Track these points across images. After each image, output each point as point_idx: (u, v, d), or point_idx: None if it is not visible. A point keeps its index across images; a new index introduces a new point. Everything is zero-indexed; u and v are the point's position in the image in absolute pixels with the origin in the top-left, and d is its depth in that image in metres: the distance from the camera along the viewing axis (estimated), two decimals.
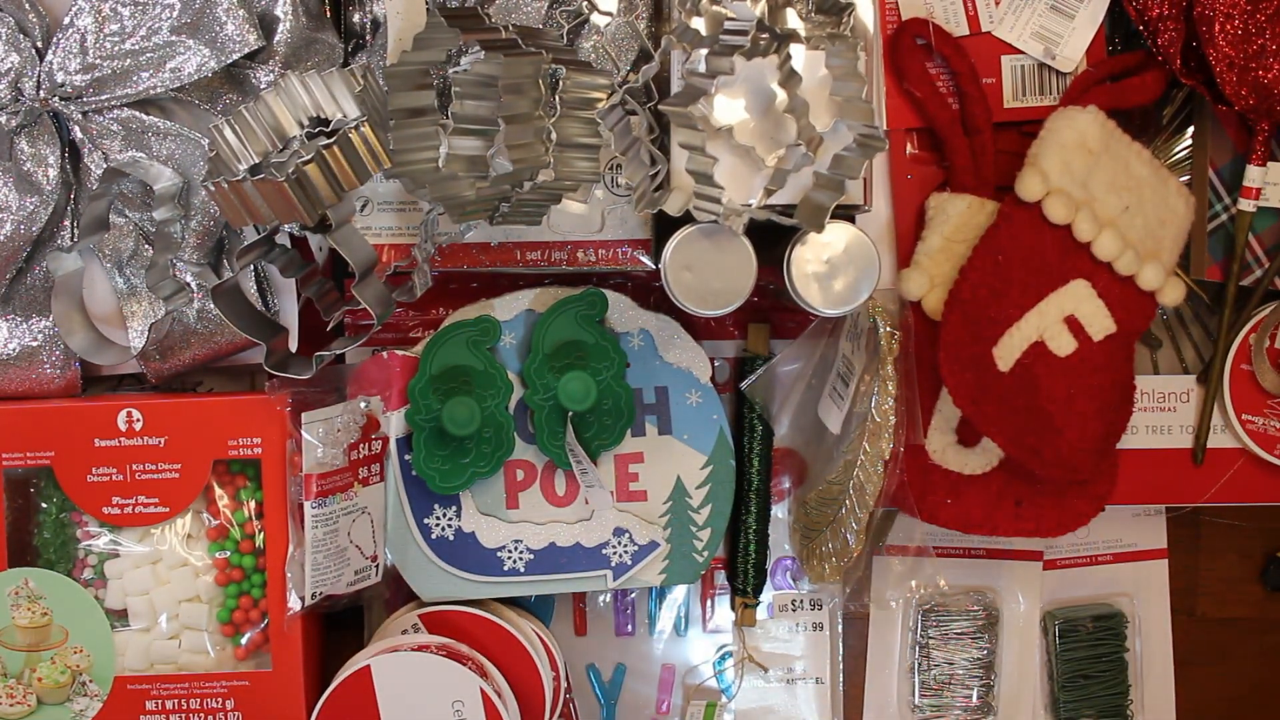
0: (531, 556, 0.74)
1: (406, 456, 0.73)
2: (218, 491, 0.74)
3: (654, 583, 0.75)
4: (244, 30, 0.70)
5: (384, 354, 0.73)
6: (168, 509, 0.73)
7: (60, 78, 0.70)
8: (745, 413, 0.79)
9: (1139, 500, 0.81)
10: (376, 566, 0.75)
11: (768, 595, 0.82)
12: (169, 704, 0.73)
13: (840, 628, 0.83)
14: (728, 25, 0.63)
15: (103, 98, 0.70)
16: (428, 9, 0.69)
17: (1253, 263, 0.78)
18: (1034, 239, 0.72)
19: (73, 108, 0.71)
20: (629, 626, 0.82)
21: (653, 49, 0.71)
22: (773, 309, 0.80)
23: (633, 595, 0.82)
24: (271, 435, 0.72)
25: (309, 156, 0.60)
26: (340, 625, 0.79)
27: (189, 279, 0.73)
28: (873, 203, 0.68)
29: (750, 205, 0.65)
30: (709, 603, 0.83)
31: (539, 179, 0.64)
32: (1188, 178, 0.78)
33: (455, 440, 0.71)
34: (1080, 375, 0.73)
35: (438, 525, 0.73)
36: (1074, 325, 0.73)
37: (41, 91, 0.71)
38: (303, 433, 0.69)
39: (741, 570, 0.80)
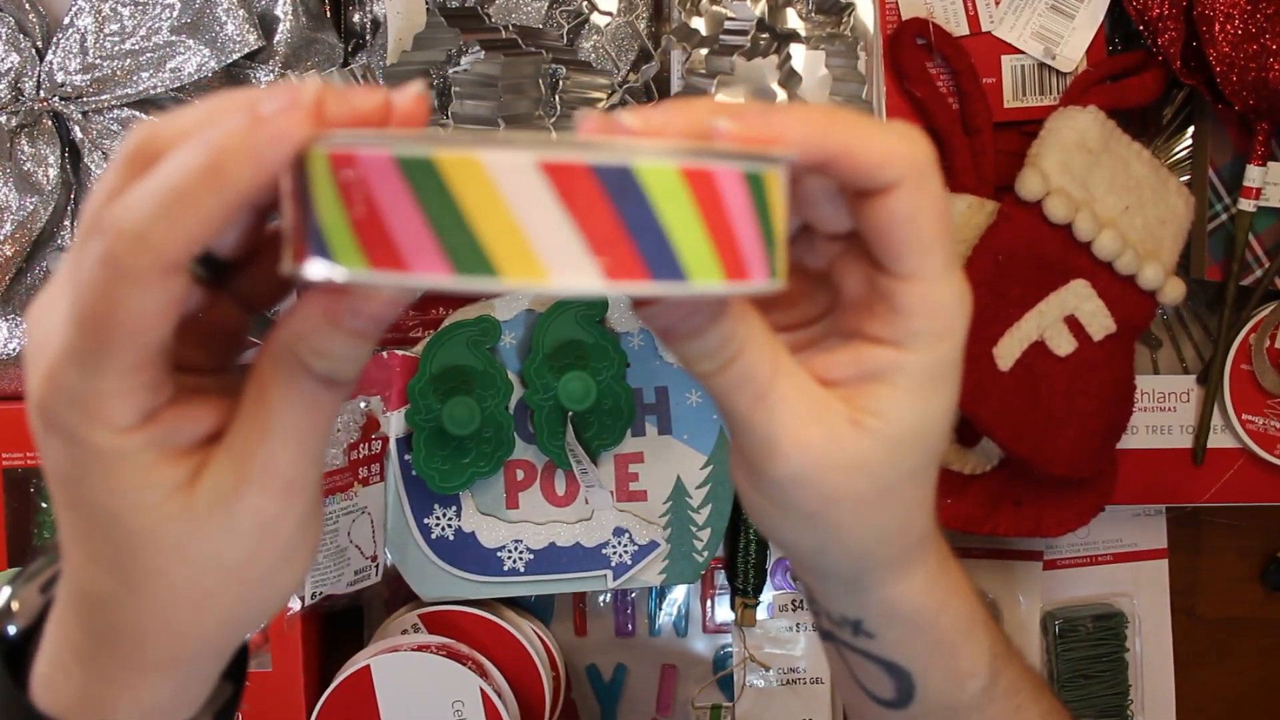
0: (531, 556, 0.74)
1: (406, 456, 0.73)
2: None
3: (654, 583, 0.75)
4: (244, 30, 0.70)
5: (384, 354, 0.73)
6: None
7: (60, 78, 0.70)
8: None
9: (1139, 500, 0.81)
10: (376, 566, 0.75)
11: (768, 595, 0.82)
12: None
13: None
14: (728, 25, 0.63)
15: (103, 98, 0.70)
16: (428, 9, 0.69)
17: (1253, 263, 0.78)
18: (1034, 239, 0.72)
19: (73, 108, 0.71)
20: (629, 626, 0.82)
21: (653, 49, 0.71)
22: None
23: (633, 595, 0.82)
24: None
25: None
26: (340, 625, 0.79)
27: None
28: None
29: None
30: (709, 603, 0.83)
31: None
32: (1188, 178, 0.78)
33: (455, 440, 0.71)
34: (1080, 375, 0.73)
35: (438, 525, 0.73)
36: (1074, 325, 0.73)
37: (41, 91, 0.71)
38: None
39: (741, 570, 0.80)
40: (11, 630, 0.36)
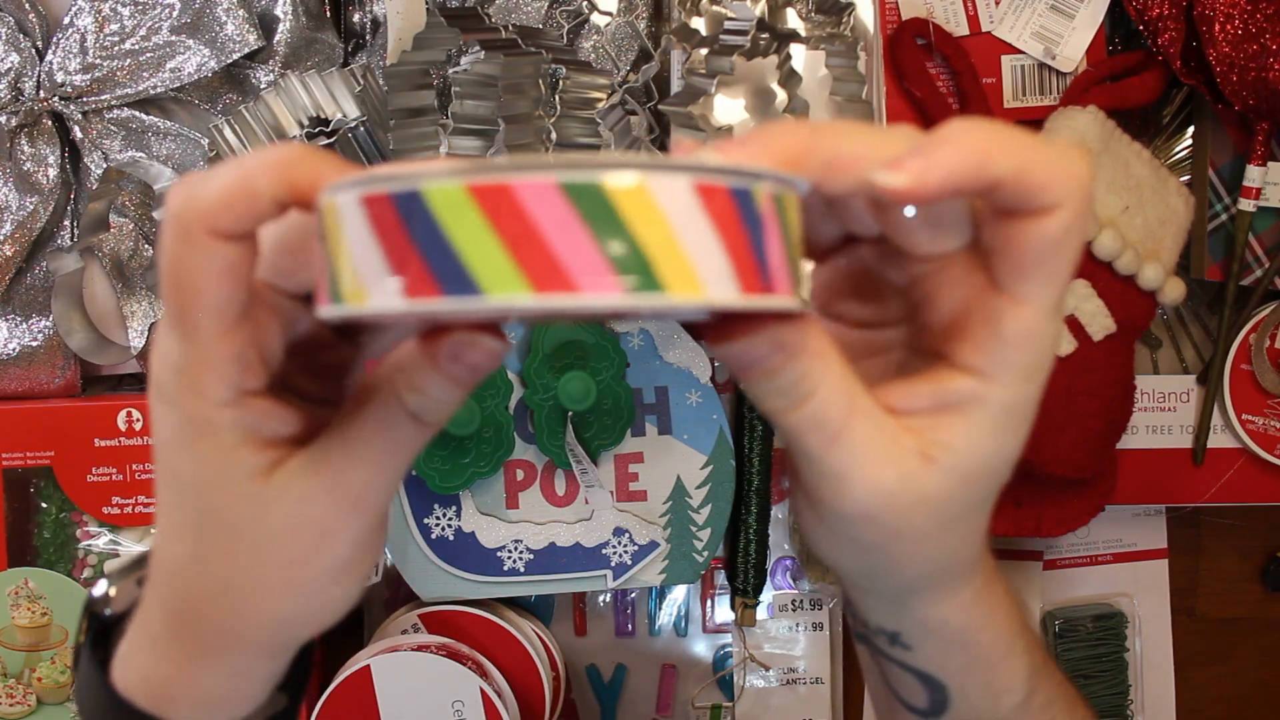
0: (531, 556, 0.74)
1: None
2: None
3: (654, 583, 0.75)
4: (244, 30, 0.70)
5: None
6: None
7: (60, 78, 0.70)
8: (745, 413, 0.79)
9: (1139, 500, 0.81)
10: (376, 567, 0.75)
11: (768, 595, 0.82)
12: None
13: (840, 628, 0.83)
14: (728, 25, 0.63)
15: (103, 98, 0.70)
16: (428, 9, 0.69)
17: (1253, 263, 0.78)
18: None
19: (73, 108, 0.71)
20: (629, 626, 0.82)
21: (653, 49, 0.71)
22: None
23: (633, 595, 0.82)
24: None
25: None
26: (340, 625, 0.79)
27: None
28: None
29: None
30: (709, 603, 0.83)
31: None
32: (1188, 178, 0.78)
33: (455, 440, 0.71)
34: (1081, 375, 0.73)
35: (438, 525, 0.73)
36: (1074, 325, 0.73)
37: (41, 91, 0.71)
38: None
39: (741, 570, 0.80)
40: (106, 612, 0.39)
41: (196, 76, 0.70)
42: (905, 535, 0.33)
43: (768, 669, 0.82)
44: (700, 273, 0.26)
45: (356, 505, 0.33)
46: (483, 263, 0.26)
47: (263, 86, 0.72)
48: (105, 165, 0.71)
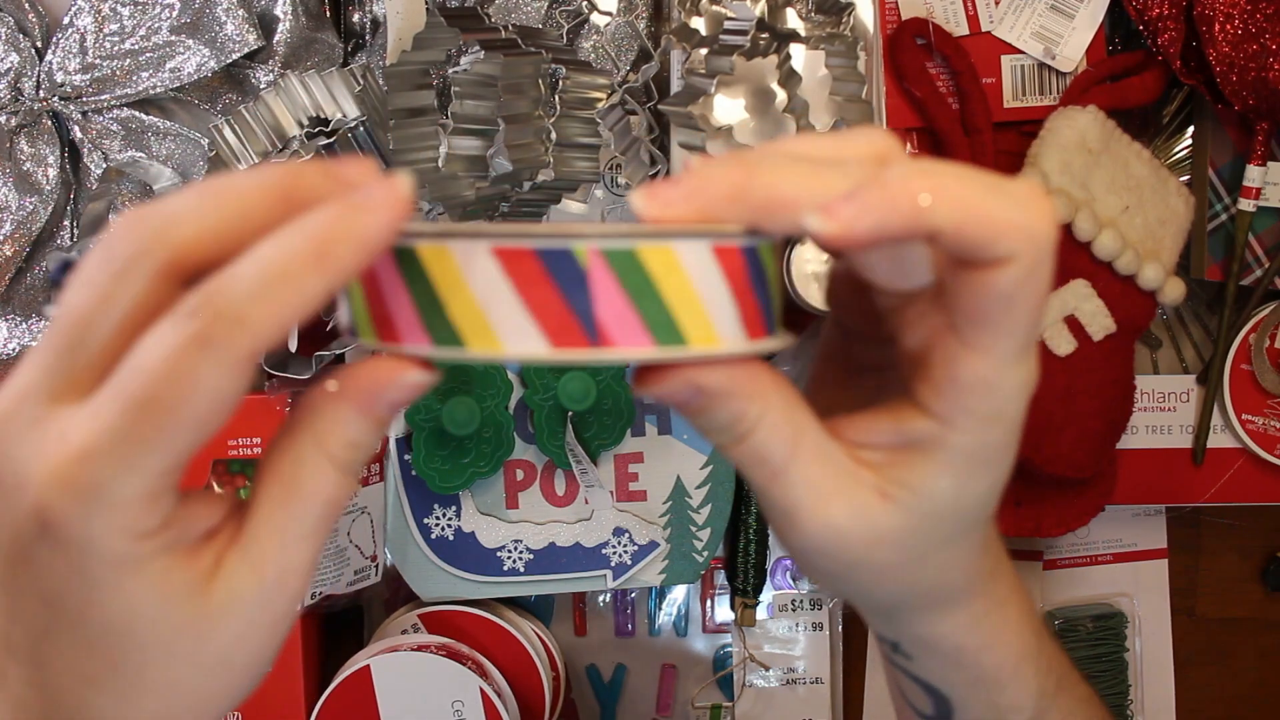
0: (531, 556, 0.74)
1: (406, 456, 0.73)
2: (217, 491, 0.74)
3: (654, 583, 0.75)
4: (244, 30, 0.70)
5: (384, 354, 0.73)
6: None
7: (60, 78, 0.70)
8: None
9: (1139, 500, 0.81)
10: (376, 566, 0.75)
11: (768, 595, 0.82)
12: None
13: (840, 628, 0.83)
14: (728, 25, 0.63)
15: (102, 98, 0.70)
16: (428, 9, 0.69)
17: (1253, 263, 0.78)
18: None
19: (72, 108, 0.71)
20: (629, 626, 0.82)
21: (653, 49, 0.71)
22: None
23: (633, 595, 0.82)
24: (271, 435, 0.72)
25: (309, 157, 0.60)
26: (340, 625, 0.79)
27: None
28: None
29: None
30: (709, 603, 0.83)
31: (539, 179, 0.64)
32: (1188, 178, 0.78)
33: (455, 440, 0.71)
34: (1080, 375, 0.73)
35: (437, 525, 0.73)
36: (1074, 325, 0.73)
37: (41, 91, 0.71)
38: None
39: (741, 570, 0.80)
40: None
41: (196, 76, 0.70)
42: (865, 566, 0.33)
43: (768, 669, 0.82)
44: (500, 329, 0.29)
45: (302, 587, 0.30)
46: (357, 313, 0.31)
47: (263, 86, 0.72)
48: (105, 165, 0.71)
